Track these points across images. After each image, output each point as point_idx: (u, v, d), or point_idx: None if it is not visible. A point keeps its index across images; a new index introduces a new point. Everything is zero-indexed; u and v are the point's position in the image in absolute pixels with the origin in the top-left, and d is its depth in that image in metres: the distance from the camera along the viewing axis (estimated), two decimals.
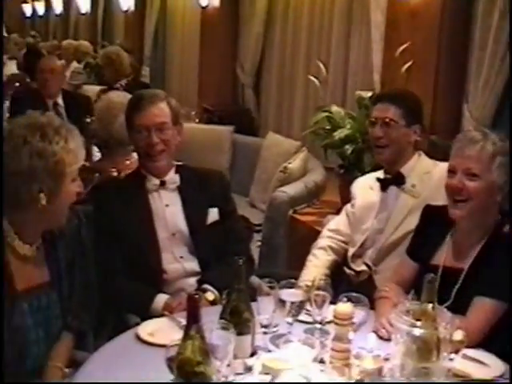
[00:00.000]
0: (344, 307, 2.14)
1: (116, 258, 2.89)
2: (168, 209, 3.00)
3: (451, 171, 2.60)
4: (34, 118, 2.30)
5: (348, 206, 3.40)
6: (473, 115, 4.12)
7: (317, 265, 3.25)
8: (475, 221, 2.58)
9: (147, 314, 2.68)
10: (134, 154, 3.87)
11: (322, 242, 3.36)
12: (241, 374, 2.06)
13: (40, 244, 2.38)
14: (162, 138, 2.93)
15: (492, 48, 3.95)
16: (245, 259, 2.20)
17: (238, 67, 7.09)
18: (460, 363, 2.13)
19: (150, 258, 2.92)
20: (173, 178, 3.03)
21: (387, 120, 3.12)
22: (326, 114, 4.48)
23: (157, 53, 9.58)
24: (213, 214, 3.06)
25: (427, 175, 3.16)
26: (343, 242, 3.34)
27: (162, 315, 2.59)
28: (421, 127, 3.22)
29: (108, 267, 2.85)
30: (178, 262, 2.96)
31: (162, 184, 3.00)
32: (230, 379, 1.96)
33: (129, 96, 3.82)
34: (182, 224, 3.00)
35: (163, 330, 2.35)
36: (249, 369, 2.09)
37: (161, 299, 2.78)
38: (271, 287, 2.28)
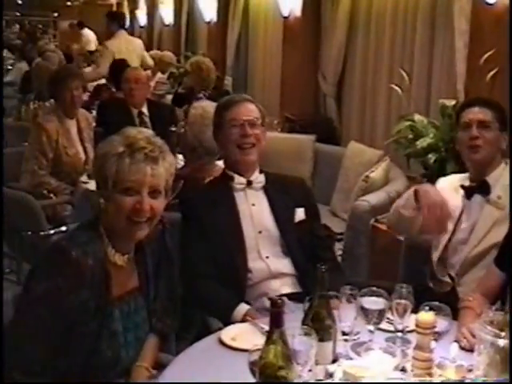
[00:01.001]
0: (426, 316, 2.13)
1: (203, 260, 2.96)
2: (254, 208, 3.07)
3: None
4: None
5: None
6: None
7: None
8: None
9: (228, 320, 2.74)
10: (218, 163, 3.96)
11: None
12: (322, 380, 2.08)
13: (132, 255, 2.46)
14: (254, 132, 3.05)
15: None
16: (333, 267, 2.23)
17: (320, 76, 7.10)
18: None
19: (235, 256, 2.97)
20: (258, 177, 3.11)
21: (483, 121, 3.11)
22: (409, 122, 4.46)
23: (239, 63, 9.68)
24: (300, 214, 3.12)
25: None
26: None
27: (243, 321, 2.64)
28: (508, 136, 3.19)
29: (195, 269, 2.94)
30: (264, 261, 3.00)
31: (249, 183, 3.09)
32: None
33: None
34: (269, 223, 3.06)
35: (246, 335, 2.40)
36: (330, 375, 2.10)
37: (242, 308, 2.81)
38: (353, 295, 2.29)
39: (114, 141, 2.33)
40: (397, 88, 4.95)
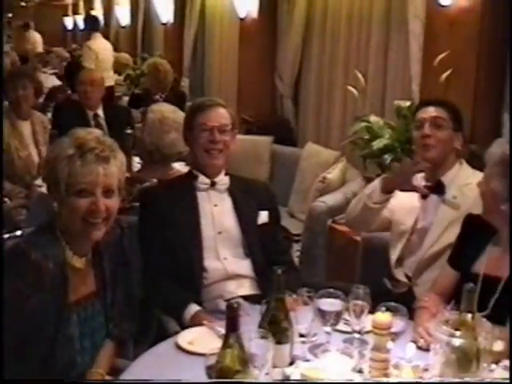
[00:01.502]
0: (383, 317, 2.14)
1: (160, 257, 2.95)
2: (216, 208, 3.07)
3: None
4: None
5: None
6: None
7: None
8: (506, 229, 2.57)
9: (181, 319, 2.75)
10: (175, 165, 3.94)
11: None
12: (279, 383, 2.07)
13: (89, 257, 2.42)
14: (223, 138, 3.05)
15: None
16: (290, 269, 2.22)
17: (277, 78, 7.10)
18: (501, 374, 2.10)
19: (191, 254, 2.96)
20: (223, 179, 3.11)
21: (437, 119, 3.14)
22: (365, 123, 4.48)
23: (196, 64, 9.65)
24: (263, 216, 3.13)
25: (468, 187, 3.12)
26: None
27: (199, 324, 2.61)
28: (463, 136, 3.22)
29: (152, 266, 2.94)
30: (221, 262, 3.00)
31: (213, 184, 3.08)
32: None
33: (181, 112, 3.93)
34: (230, 224, 3.06)
35: (203, 339, 2.37)
36: (287, 378, 2.10)
37: (192, 309, 2.80)
38: (310, 297, 2.29)
39: (64, 143, 2.30)
40: (352, 89, 4.97)
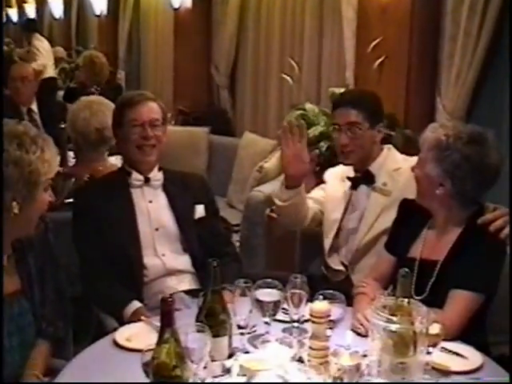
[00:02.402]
0: (320, 305, 2.13)
1: (98, 256, 2.89)
2: (151, 205, 3.02)
3: None
4: (10, 126, 2.28)
5: (321, 186, 3.40)
6: (446, 108, 4.14)
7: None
8: (450, 214, 2.59)
9: (121, 317, 2.70)
10: (110, 159, 3.87)
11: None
12: (218, 376, 2.05)
13: (11, 253, 2.35)
14: (155, 133, 2.98)
15: (463, 41, 3.97)
16: (232, 261, 2.20)
17: (213, 68, 7.08)
18: (438, 356, 2.14)
19: (130, 252, 2.91)
20: (157, 175, 3.05)
21: (352, 125, 3.10)
22: (300, 111, 4.49)
23: (131, 56, 9.53)
24: (199, 210, 3.08)
25: (398, 172, 3.15)
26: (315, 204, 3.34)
27: (138, 320, 2.57)
28: (383, 124, 3.22)
29: (91, 266, 2.88)
30: (159, 258, 2.96)
31: (147, 181, 3.02)
32: (208, 381, 1.94)
33: (105, 100, 3.86)
34: (166, 220, 3.02)
35: (141, 335, 2.33)
36: (227, 371, 2.07)
37: (133, 306, 2.75)
38: (247, 287, 2.27)
39: None
40: (287, 78, 4.96)
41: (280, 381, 1.69)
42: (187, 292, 2.91)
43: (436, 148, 2.54)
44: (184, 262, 3.00)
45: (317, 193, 3.40)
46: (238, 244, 4.62)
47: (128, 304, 2.74)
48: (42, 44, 9.30)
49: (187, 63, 7.39)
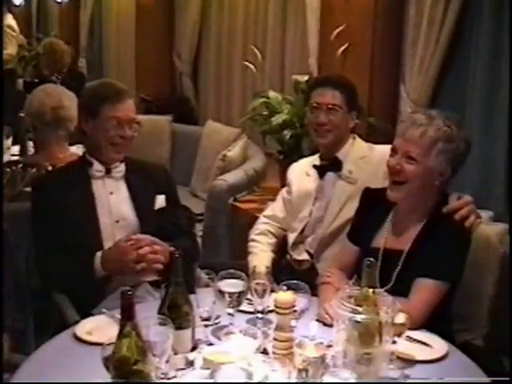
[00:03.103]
0: (284, 295, 2.10)
1: (59, 248, 2.82)
2: (112, 196, 2.97)
3: (393, 150, 2.58)
4: None
5: (284, 192, 3.38)
6: (410, 96, 4.14)
7: (263, 249, 3.25)
8: (414, 203, 2.57)
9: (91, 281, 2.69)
10: (71, 148, 3.80)
11: (261, 227, 3.36)
12: (182, 369, 2.01)
13: None
14: (132, 133, 2.93)
15: (426, 29, 3.97)
16: (183, 252, 2.16)
17: (175, 56, 7.01)
18: (404, 346, 2.12)
19: (91, 245, 2.85)
20: (119, 166, 3.00)
21: (332, 106, 3.11)
22: (264, 99, 4.45)
23: (93, 44, 9.40)
24: (160, 201, 3.04)
25: (363, 160, 3.17)
26: (280, 227, 3.33)
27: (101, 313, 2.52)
28: (357, 113, 3.23)
29: (51, 258, 2.82)
30: None
31: (108, 172, 2.97)
32: (171, 375, 1.91)
33: (63, 88, 3.80)
34: (127, 212, 2.97)
35: (102, 328, 2.28)
36: (190, 363, 2.04)
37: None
38: (210, 278, 2.23)
39: None
40: (251, 65, 4.92)
41: (243, 373, 1.66)
42: (150, 283, 2.86)
43: (442, 141, 2.49)
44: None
45: (277, 205, 3.38)
46: (201, 233, 4.59)
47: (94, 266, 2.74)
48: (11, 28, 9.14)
49: (149, 51, 7.32)
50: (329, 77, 3.44)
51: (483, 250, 2.76)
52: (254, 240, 3.31)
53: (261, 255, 3.21)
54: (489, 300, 2.88)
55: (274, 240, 3.32)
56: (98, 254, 2.76)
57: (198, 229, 4.58)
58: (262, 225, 3.36)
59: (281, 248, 3.36)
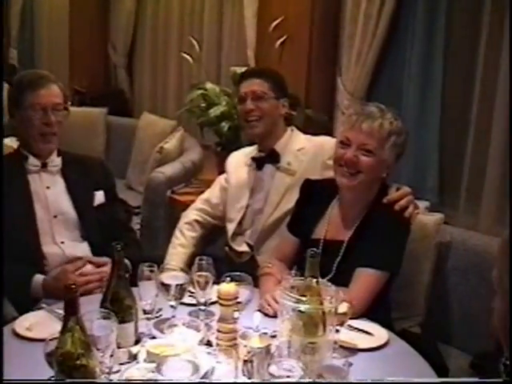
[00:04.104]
0: (228, 287, 2.10)
1: None
2: (49, 191, 2.91)
3: (345, 143, 2.59)
4: None
5: (222, 179, 3.38)
6: (346, 88, 4.17)
7: (183, 244, 3.23)
8: (359, 194, 2.61)
9: (27, 297, 2.60)
10: (5, 140, 3.71)
11: (191, 215, 3.36)
12: (125, 363, 1.99)
13: None
14: (57, 119, 2.87)
15: (363, 22, 4.01)
16: (127, 245, 2.13)
17: (110, 47, 6.91)
18: (346, 334, 2.16)
19: (28, 241, 2.80)
20: (55, 160, 2.94)
21: (257, 92, 3.13)
22: (201, 91, 4.43)
23: (24, 34, 9.16)
24: (99, 197, 3.00)
25: (302, 152, 3.18)
26: (212, 215, 3.33)
27: (40, 308, 2.46)
28: (287, 101, 3.23)
29: None
30: (58, 246, 2.86)
31: (44, 166, 2.91)
32: (115, 370, 1.88)
33: None
34: (66, 207, 2.92)
35: (41, 324, 2.23)
36: (134, 357, 2.02)
37: (39, 279, 2.66)
38: (151, 271, 2.21)
39: None
40: (188, 56, 4.89)
41: (190, 366, 1.65)
42: None
43: (395, 134, 2.54)
44: (83, 249, 2.91)
45: (214, 191, 3.37)
46: (139, 226, 4.55)
47: (32, 280, 2.65)
48: None
49: (83, 42, 7.19)
50: (252, 69, 3.47)
51: (420, 240, 2.82)
52: (179, 230, 3.32)
53: (178, 252, 3.22)
54: (425, 288, 2.95)
55: (199, 233, 3.33)
56: (39, 277, 2.68)
57: (135, 222, 4.55)
58: (193, 212, 3.36)
59: (213, 238, 3.36)
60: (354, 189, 2.59)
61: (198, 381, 1.69)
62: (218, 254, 3.28)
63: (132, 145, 5.57)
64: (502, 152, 3.48)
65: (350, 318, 2.17)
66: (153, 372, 1.81)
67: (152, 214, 4.58)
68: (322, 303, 1.95)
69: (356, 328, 2.28)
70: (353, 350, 2.13)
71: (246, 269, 2.37)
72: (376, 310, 2.45)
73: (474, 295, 2.94)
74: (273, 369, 1.73)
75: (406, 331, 2.63)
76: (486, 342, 2.81)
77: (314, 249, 2.03)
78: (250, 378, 1.86)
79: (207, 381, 1.82)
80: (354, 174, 2.55)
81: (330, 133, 3.88)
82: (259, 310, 2.30)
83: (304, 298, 1.94)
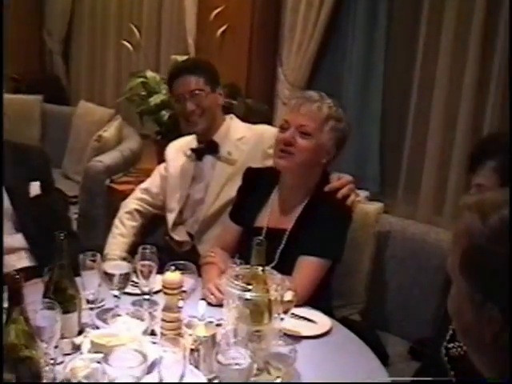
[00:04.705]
0: (172, 276, 2.08)
1: None
2: None
3: (284, 127, 2.59)
4: None
5: (161, 168, 3.35)
6: (287, 78, 4.19)
7: (123, 234, 3.20)
8: (299, 181, 2.61)
9: None
10: None
11: (130, 204, 3.33)
12: (69, 354, 1.96)
13: None
14: None
15: (304, 13, 4.02)
16: (67, 235, 2.09)
17: (45, 33, 6.76)
18: (290, 322, 2.17)
19: None
20: None
21: (195, 92, 3.08)
22: (141, 79, 4.38)
23: None
24: (35, 188, 2.90)
25: (242, 141, 3.17)
26: (152, 204, 3.31)
27: None
28: (222, 88, 3.23)
29: None
30: None
31: None
32: (59, 361, 1.85)
33: None
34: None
35: None
36: (77, 348, 1.99)
37: None
38: (94, 261, 2.18)
39: None
40: (127, 43, 4.82)
41: (138, 355, 1.64)
42: (28, 268, 2.75)
43: (333, 119, 2.56)
44: (19, 240, 2.83)
45: (154, 180, 3.35)
46: (76, 216, 4.48)
47: None
48: None
49: (18, 27, 6.99)
50: (182, 65, 3.40)
51: (360, 229, 2.86)
52: (119, 220, 3.28)
53: (118, 241, 3.19)
54: (365, 277, 2.99)
55: (139, 222, 3.30)
56: None
57: (73, 211, 4.47)
58: (133, 201, 3.33)
59: (153, 227, 3.34)
60: (292, 171, 2.59)
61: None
62: (159, 244, 3.25)
63: (68, 133, 5.48)
64: (440, 143, 3.56)
65: (294, 306, 2.19)
66: (98, 362, 1.79)
67: (90, 204, 4.51)
68: (268, 291, 1.95)
69: (299, 316, 2.30)
70: (297, 338, 2.15)
71: (187, 258, 2.35)
72: (318, 297, 2.47)
73: (412, 283, 3.00)
74: (220, 357, 1.72)
75: (346, 319, 2.66)
76: (423, 329, 2.90)
77: (261, 237, 2.04)
78: (196, 367, 1.87)
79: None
80: (289, 155, 2.55)
81: (270, 122, 3.89)
82: (203, 299, 2.30)
83: (250, 287, 1.94)
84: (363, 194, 3.10)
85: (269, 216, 2.68)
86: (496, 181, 1.83)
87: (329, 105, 2.57)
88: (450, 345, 1.91)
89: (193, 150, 3.23)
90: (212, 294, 2.37)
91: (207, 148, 3.19)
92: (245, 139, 3.17)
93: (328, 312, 2.44)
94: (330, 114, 2.56)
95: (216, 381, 1.79)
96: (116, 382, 1.62)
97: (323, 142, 2.56)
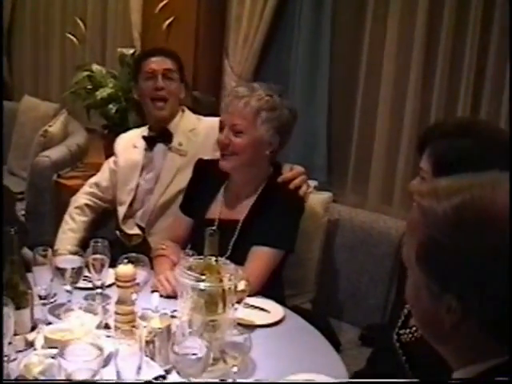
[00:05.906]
0: (125, 268, 2.08)
1: None
2: None
3: (221, 126, 2.61)
4: None
5: (110, 162, 3.33)
6: (234, 70, 4.19)
7: (73, 229, 3.18)
8: (247, 174, 2.63)
9: None
10: None
11: (80, 199, 3.30)
12: (22, 350, 1.94)
13: None
14: None
15: (250, 4, 4.03)
16: (17, 229, 2.07)
17: None
18: (243, 312, 2.19)
19: None
20: None
21: (168, 71, 3.13)
22: (87, 73, 4.33)
23: None
24: None
25: (193, 132, 3.19)
26: (102, 199, 3.29)
27: None
28: (184, 86, 3.27)
29: None
30: None
31: None
32: (12, 358, 1.83)
33: None
34: None
35: None
36: (30, 344, 1.97)
37: None
38: (45, 256, 2.16)
39: None
40: (72, 37, 4.76)
41: (94, 348, 1.63)
42: None
43: (265, 110, 2.54)
44: None
45: (103, 174, 3.33)
46: (23, 212, 4.42)
47: None
48: None
49: None
50: (159, 48, 3.43)
51: (309, 219, 2.88)
52: (70, 216, 3.25)
53: (68, 236, 3.16)
54: (315, 265, 3.03)
55: (90, 217, 3.27)
56: None
57: (19, 207, 4.41)
58: (83, 196, 3.31)
59: (103, 221, 3.32)
60: (237, 170, 2.61)
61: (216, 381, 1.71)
62: (109, 238, 3.23)
63: (12, 129, 5.38)
64: (388, 132, 3.61)
65: (247, 296, 2.20)
66: (53, 358, 1.78)
67: (37, 200, 4.46)
68: (221, 281, 1.96)
69: (252, 305, 2.32)
70: (250, 327, 2.16)
71: (138, 252, 2.35)
72: (270, 287, 2.50)
73: (361, 271, 3.05)
74: (176, 348, 1.73)
75: (297, 307, 2.68)
76: (373, 315, 2.95)
77: (214, 228, 2.06)
78: (152, 359, 1.87)
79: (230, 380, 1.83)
80: (229, 156, 2.57)
81: (217, 114, 3.88)
82: (155, 291, 2.30)
83: (204, 277, 1.95)
84: (312, 183, 3.13)
85: (220, 207, 2.69)
86: (429, 167, 1.85)
87: (258, 97, 2.54)
88: (402, 331, 1.95)
89: (144, 137, 3.22)
90: (162, 285, 2.37)
91: (159, 137, 3.19)
92: (196, 131, 3.19)
93: (280, 301, 2.46)
94: (259, 106, 2.53)
95: (174, 371, 1.80)
96: (72, 378, 1.60)
97: (260, 135, 2.55)
